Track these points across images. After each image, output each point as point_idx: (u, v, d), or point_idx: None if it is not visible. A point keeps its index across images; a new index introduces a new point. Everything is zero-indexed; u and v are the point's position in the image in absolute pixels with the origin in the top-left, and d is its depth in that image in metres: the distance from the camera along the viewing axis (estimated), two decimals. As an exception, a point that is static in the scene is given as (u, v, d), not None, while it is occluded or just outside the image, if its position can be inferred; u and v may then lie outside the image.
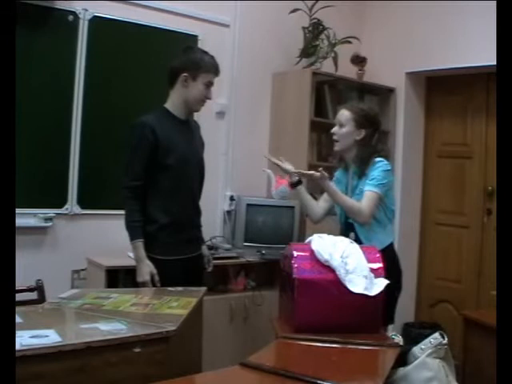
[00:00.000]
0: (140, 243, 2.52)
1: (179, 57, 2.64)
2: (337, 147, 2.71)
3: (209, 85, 2.62)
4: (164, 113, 2.63)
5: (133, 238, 2.54)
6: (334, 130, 2.69)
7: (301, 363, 1.85)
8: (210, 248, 3.19)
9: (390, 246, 2.63)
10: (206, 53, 2.66)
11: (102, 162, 3.34)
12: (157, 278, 2.52)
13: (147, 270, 2.51)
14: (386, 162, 2.61)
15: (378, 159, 2.61)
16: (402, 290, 2.69)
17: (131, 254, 3.16)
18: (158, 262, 2.55)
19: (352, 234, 2.60)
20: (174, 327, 1.77)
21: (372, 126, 2.67)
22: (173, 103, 2.64)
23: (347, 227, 2.67)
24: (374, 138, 2.69)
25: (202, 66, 2.58)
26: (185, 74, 2.56)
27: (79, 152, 3.25)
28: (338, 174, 2.81)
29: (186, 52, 2.66)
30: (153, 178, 2.55)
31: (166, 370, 1.69)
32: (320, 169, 2.56)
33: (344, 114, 2.68)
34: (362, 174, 2.61)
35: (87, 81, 3.25)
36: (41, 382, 1.50)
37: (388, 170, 2.60)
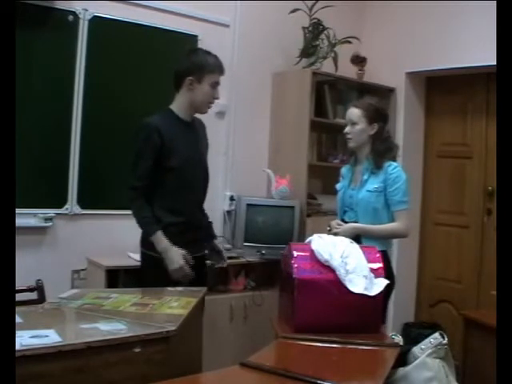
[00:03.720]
0: (159, 234, 2.50)
1: (183, 60, 2.62)
2: (351, 144, 2.72)
3: (215, 85, 2.61)
4: (169, 114, 2.61)
5: (150, 232, 2.52)
6: (347, 129, 2.71)
7: (301, 363, 1.85)
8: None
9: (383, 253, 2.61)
10: (208, 53, 2.64)
11: (102, 162, 3.34)
12: (190, 259, 2.52)
13: (178, 255, 2.50)
14: (398, 167, 2.63)
15: (388, 164, 2.62)
16: (403, 290, 2.69)
17: (132, 254, 3.17)
18: (160, 261, 2.52)
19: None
20: (173, 327, 1.77)
21: (382, 119, 2.72)
22: (178, 105, 2.62)
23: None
24: (385, 131, 2.74)
25: (206, 67, 2.56)
26: (190, 78, 2.55)
27: (79, 152, 3.25)
28: (344, 169, 2.84)
29: (188, 55, 2.64)
30: (157, 178, 2.54)
31: (166, 370, 1.69)
32: (332, 230, 2.63)
33: (354, 111, 2.69)
34: (377, 167, 2.62)
35: (87, 81, 3.25)
36: (41, 382, 1.50)
37: (405, 179, 2.62)
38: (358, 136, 2.68)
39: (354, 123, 2.68)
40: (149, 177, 2.52)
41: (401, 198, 2.59)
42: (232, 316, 3.43)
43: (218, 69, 2.62)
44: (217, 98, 2.67)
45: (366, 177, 2.65)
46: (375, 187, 2.60)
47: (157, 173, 2.53)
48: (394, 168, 2.61)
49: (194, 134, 2.70)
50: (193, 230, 2.66)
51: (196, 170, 2.67)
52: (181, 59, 2.64)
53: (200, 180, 2.73)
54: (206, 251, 2.81)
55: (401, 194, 2.59)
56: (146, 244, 2.58)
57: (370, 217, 2.61)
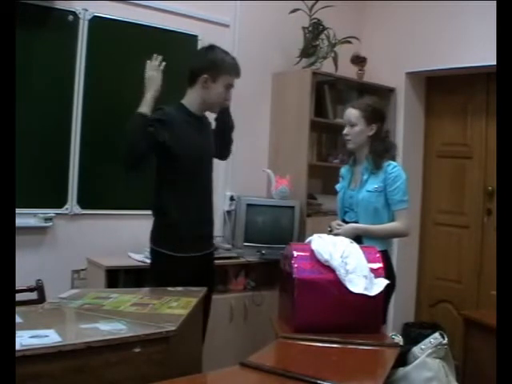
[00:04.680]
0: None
1: (199, 56, 2.60)
2: (350, 145, 2.72)
3: (229, 87, 2.57)
4: (180, 108, 2.58)
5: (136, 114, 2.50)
6: (346, 131, 2.70)
7: (301, 363, 1.85)
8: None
9: (384, 252, 2.61)
10: (227, 53, 2.61)
11: (102, 161, 3.34)
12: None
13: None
14: (398, 167, 2.63)
15: (388, 163, 2.62)
16: (403, 290, 2.69)
17: (132, 254, 3.18)
18: (170, 258, 2.51)
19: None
20: (173, 327, 1.77)
21: (380, 119, 2.72)
22: (190, 101, 2.59)
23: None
24: (383, 131, 2.74)
25: (223, 67, 2.53)
26: (205, 76, 2.51)
27: (79, 152, 3.25)
28: (343, 170, 2.84)
29: (207, 52, 2.61)
30: (167, 172, 2.51)
31: (166, 370, 1.70)
32: (333, 230, 2.63)
33: (353, 113, 2.68)
34: (377, 167, 2.62)
35: (87, 81, 3.25)
36: (41, 382, 1.50)
37: (404, 178, 2.62)
38: (357, 137, 2.67)
39: (352, 124, 2.67)
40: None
41: (401, 198, 2.60)
42: (232, 316, 3.43)
43: (235, 71, 2.58)
44: (228, 100, 2.64)
45: (365, 177, 2.65)
46: (375, 187, 2.61)
47: (166, 167, 2.50)
48: (393, 167, 2.61)
49: (204, 129, 2.68)
50: (201, 226, 2.63)
51: (205, 164, 2.64)
52: (197, 55, 2.61)
53: (209, 175, 2.69)
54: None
55: (401, 193, 2.60)
56: (156, 241, 2.56)
57: (371, 217, 2.61)
